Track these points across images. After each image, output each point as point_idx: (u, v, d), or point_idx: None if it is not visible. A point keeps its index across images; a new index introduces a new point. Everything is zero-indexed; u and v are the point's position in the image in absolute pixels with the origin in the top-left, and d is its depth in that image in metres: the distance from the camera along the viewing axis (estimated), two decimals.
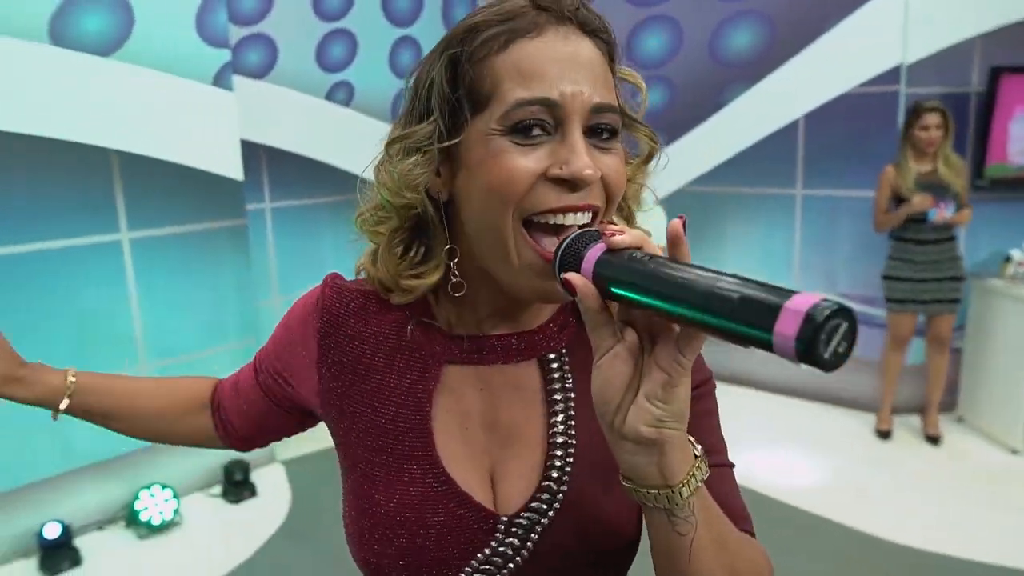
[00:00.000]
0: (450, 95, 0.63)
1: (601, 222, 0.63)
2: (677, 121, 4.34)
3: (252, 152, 3.77)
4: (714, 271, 0.48)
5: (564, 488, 0.69)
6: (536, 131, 0.60)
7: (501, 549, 0.69)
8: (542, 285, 0.62)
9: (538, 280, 0.62)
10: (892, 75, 3.76)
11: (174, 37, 3.05)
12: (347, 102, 4.39)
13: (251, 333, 3.47)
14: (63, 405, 0.88)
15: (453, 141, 0.64)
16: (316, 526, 3.09)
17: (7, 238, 2.74)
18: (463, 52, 0.63)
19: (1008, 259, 3.69)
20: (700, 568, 0.57)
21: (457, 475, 0.70)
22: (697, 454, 0.57)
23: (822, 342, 0.41)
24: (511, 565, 0.69)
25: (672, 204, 4.45)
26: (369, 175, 0.70)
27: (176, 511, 3.11)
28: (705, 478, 0.56)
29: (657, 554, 0.60)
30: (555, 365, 0.72)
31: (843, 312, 0.42)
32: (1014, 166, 3.81)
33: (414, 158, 0.65)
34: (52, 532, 2.83)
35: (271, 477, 3.52)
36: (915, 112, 3.45)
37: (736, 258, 4.46)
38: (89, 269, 2.97)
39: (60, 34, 2.74)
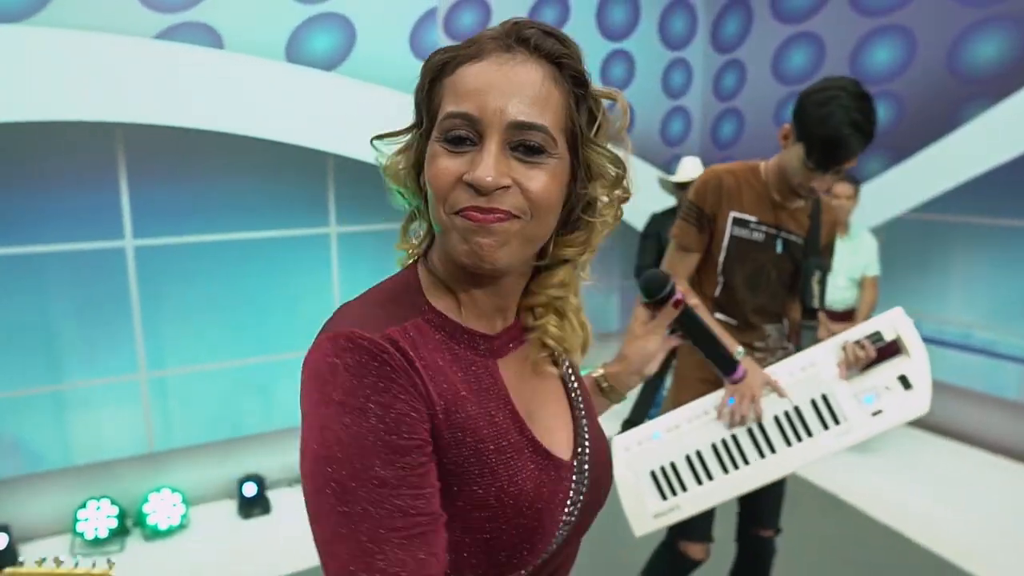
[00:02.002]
0: (424, 109, 0.74)
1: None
2: (904, 141, 3.91)
3: None
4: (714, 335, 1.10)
5: (585, 423, 0.86)
6: (466, 143, 0.68)
7: (572, 493, 0.78)
8: (469, 246, 0.69)
9: (463, 243, 0.69)
10: None
11: (389, 53, 3.39)
12: None
13: None
14: None
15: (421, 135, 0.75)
16: None
17: (238, 226, 3.22)
18: (437, 76, 0.73)
19: None
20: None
21: (547, 444, 0.78)
22: None
23: None
24: (577, 507, 0.79)
25: (891, 232, 4.03)
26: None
27: None
28: None
29: None
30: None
31: None
32: None
33: (400, 155, 0.78)
34: (250, 491, 3.29)
35: None
36: None
37: (961, 295, 3.92)
38: (301, 257, 3.40)
39: (294, 52, 3.16)
